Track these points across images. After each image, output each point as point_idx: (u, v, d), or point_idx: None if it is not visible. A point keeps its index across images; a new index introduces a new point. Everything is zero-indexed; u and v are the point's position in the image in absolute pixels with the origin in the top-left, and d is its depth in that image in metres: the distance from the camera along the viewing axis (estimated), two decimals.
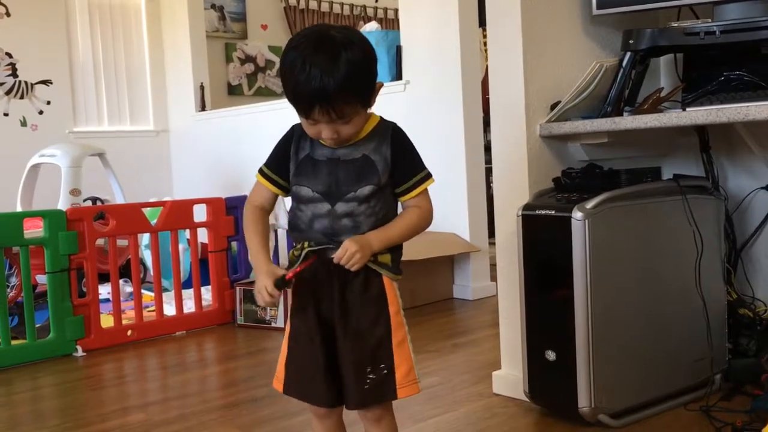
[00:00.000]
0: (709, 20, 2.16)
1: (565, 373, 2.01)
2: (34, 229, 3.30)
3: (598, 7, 2.28)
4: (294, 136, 1.46)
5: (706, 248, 2.18)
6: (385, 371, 1.42)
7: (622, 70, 2.20)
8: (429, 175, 1.46)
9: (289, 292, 1.47)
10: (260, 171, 1.50)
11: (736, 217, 2.43)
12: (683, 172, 2.39)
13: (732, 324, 2.34)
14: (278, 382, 1.50)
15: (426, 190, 1.46)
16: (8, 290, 3.41)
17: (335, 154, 1.41)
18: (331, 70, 1.28)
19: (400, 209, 1.49)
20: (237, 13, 6.80)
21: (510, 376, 2.33)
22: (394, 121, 1.46)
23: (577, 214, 1.96)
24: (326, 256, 1.41)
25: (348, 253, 1.36)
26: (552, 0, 2.28)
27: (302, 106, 1.33)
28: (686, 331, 2.20)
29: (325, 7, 7.41)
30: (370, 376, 1.41)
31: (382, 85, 1.41)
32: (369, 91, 1.37)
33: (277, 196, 1.50)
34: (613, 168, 2.20)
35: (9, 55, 5.54)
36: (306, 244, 1.43)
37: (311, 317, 1.43)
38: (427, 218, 1.46)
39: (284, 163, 1.46)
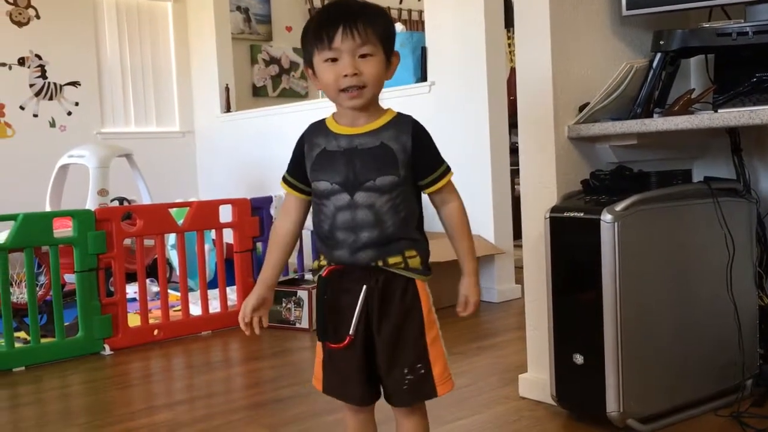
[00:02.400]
0: (742, 21, 2.13)
1: (594, 376, 1.99)
2: (63, 229, 3.35)
3: (628, 8, 2.26)
4: (306, 136, 1.47)
5: (737, 252, 2.15)
6: (422, 370, 1.42)
7: (652, 71, 2.18)
8: (449, 168, 1.47)
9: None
10: (283, 178, 1.52)
11: None
12: (714, 174, 2.35)
13: (764, 329, 2.30)
14: (317, 381, 1.51)
15: (451, 181, 1.46)
16: (37, 289, 3.45)
17: (352, 143, 1.40)
18: (356, 3, 1.39)
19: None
20: (262, 15, 6.83)
21: (537, 380, 2.31)
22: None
23: (606, 217, 1.94)
24: (351, 268, 1.42)
25: (473, 305, 1.46)
26: (581, 1, 2.26)
27: (325, 33, 1.35)
28: (717, 336, 2.17)
29: None
30: (408, 377, 1.42)
31: (398, 55, 1.43)
32: (390, 36, 1.40)
33: (305, 202, 1.50)
34: (643, 170, 2.17)
35: (38, 56, 5.61)
36: (322, 261, 1.46)
37: (345, 321, 1.43)
38: (464, 209, 1.48)
39: (301, 166, 1.47)
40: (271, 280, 1.52)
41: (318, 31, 1.36)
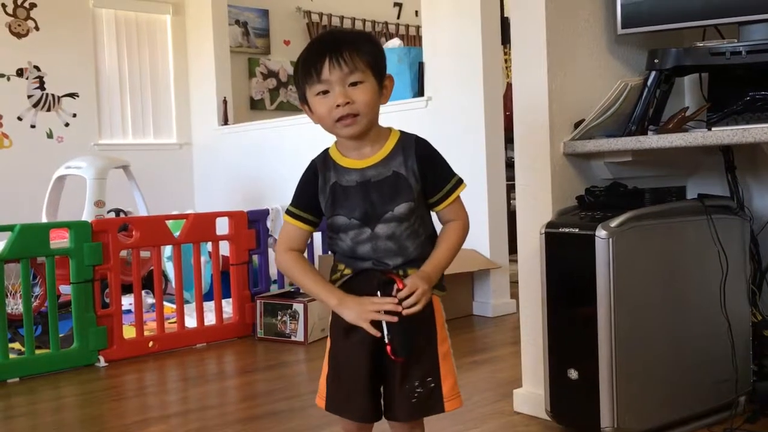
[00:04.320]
0: (735, 40, 2.15)
1: (588, 392, 2.00)
2: (60, 240, 3.35)
3: (623, 27, 2.28)
4: (318, 169, 1.45)
5: (731, 269, 2.17)
6: (432, 384, 1.42)
7: (647, 89, 2.20)
8: (461, 181, 1.45)
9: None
10: (288, 212, 1.48)
11: (762, 237, 2.41)
12: (708, 191, 2.37)
13: (757, 346, 2.31)
14: (321, 399, 1.49)
15: (459, 197, 1.45)
16: (32, 300, 3.44)
17: (365, 176, 1.40)
18: (341, 33, 1.41)
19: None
20: (260, 29, 6.87)
21: (531, 394, 2.32)
22: (416, 134, 1.46)
23: (601, 233, 1.96)
24: (369, 275, 1.41)
25: (419, 292, 1.34)
26: (577, 19, 2.29)
27: (313, 66, 1.35)
28: (710, 352, 2.18)
29: (347, 23, 7.47)
30: (418, 390, 1.42)
31: (392, 78, 1.43)
32: (379, 61, 1.39)
33: (309, 233, 1.48)
34: (638, 187, 2.19)
35: (37, 68, 5.63)
36: (345, 270, 1.44)
37: (356, 334, 1.41)
38: (466, 228, 1.46)
39: (313, 199, 1.44)
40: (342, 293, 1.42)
41: (306, 66, 1.37)
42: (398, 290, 1.35)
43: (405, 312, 1.34)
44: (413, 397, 1.41)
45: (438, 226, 1.50)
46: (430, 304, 1.43)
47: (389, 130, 1.45)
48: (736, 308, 2.21)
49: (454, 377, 1.45)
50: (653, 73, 2.20)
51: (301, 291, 3.76)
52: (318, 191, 1.44)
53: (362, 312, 1.36)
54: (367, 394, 1.42)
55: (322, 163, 1.45)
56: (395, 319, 1.34)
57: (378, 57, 1.40)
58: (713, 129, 2.00)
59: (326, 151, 1.47)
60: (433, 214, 1.49)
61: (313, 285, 1.43)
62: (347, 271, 1.44)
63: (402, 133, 1.45)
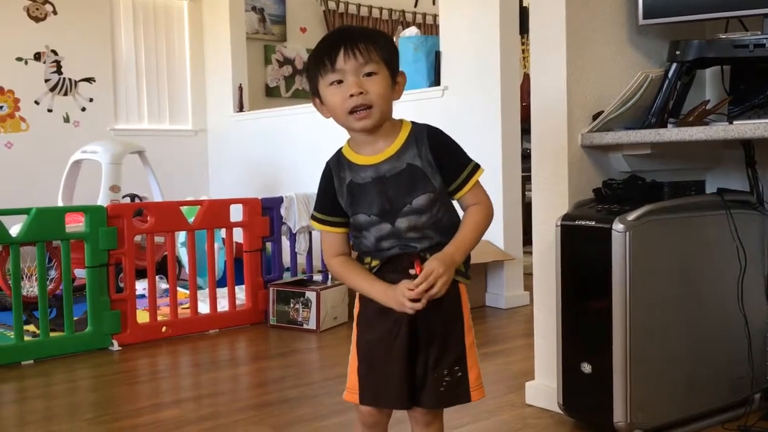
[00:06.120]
0: (759, 33, 2.12)
1: (601, 386, 1.99)
2: (75, 224, 3.36)
3: (645, 17, 2.25)
4: (332, 171, 1.44)
5: (749, 265, 2.14)
6: (460, 373, 1.43)
7: (667, 81, 2.17)
8: (478, 166, 1.43)
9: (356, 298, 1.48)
10: (313, 217, 1.48)
11: None
12: (727, 186, 2.34)
13: None
14: (352, 393, 1.46)
15: (479, 182, 1.43)
16: (47, 283, 3.46)
17: (379, 171, 1.39)
18: (356, 27, 1.40)
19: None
20: (277, 16, 6.86)
21: (544, 387, 2.31)
22: (428, 123, 1.45)
23: (618, 226, 1.94)
24: (397, 260, 1.40)
25: (433, 276, 1.31)
26: (597, 9, 2.26)
27: (327, 56, 1.34)
28: (726, 349, 2.15)
29: (364, 11, 7.44)
30: (446, 379, 1.42)
31: (404, 75, 1.42)
32: (393, 56, 1.39)
33: (345, 234, 1.46)
34: (656, 180, 2.16)
35: (54, 52, 5.65)
36: (372, 262, 1.42)
37: (388, 322, 1.40)
38: (490, 213, 1.43)
39: (334, 200, 1.44)
40: (386, 284, 1.40)
41: (320, 57, 1.36)
42: (415, 276, 1.34)
43: (424, 299, 1.32)
44: (441, 386, 1.41)
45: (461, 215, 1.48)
46: (457, 292, 1.42)
47: (401, 122, 1.43)
48: (753, 305, 2.19)
49: (478, 368, 1.45)
50: (674, 65, 2.17)
51: (313, 279, 3.76)
52: (336, 193, 1.43)
53: (398, 302, 1.35)
54: (405, 379, 1.41)
55: (335, 164, 1.44)
56: (419, 306, 1.33)
57: (392, 52, 1.40)
58: (734, 123, 1.97)
59: (339, 150, 1.45)
60: (455, 203, 1.47)
61: (360, 283, 1.43)
62: (375, 263, 1.42)
63: (414, 124, 1.43)
